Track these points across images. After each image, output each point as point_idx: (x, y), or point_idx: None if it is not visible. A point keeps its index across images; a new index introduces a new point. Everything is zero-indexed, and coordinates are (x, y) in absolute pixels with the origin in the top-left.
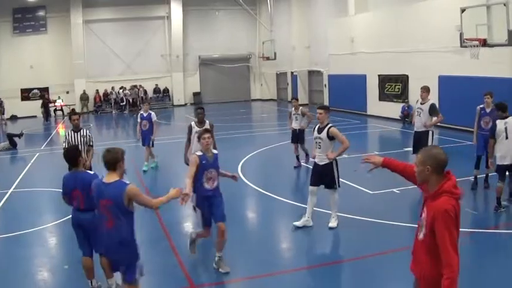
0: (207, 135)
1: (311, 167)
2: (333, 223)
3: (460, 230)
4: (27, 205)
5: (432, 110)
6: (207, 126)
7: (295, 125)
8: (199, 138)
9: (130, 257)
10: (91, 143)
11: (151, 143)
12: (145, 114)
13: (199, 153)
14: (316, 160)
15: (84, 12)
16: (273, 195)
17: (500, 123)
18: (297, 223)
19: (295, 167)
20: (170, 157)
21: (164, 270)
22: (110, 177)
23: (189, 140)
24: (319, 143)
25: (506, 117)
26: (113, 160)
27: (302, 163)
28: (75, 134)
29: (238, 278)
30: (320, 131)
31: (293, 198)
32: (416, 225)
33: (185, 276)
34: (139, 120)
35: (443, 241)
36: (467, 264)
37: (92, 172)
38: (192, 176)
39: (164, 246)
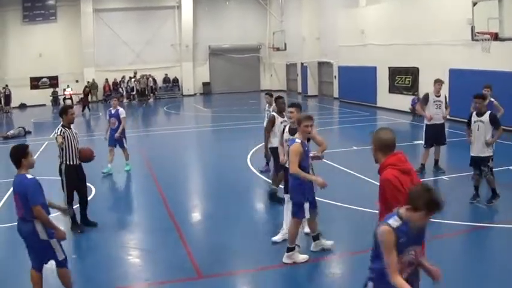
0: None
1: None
2: (278, 236)
3: (470, 224)
4: None
5: (446, 101)
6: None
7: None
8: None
9: (299, 198)
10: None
11: (123, 142)
12: (113, 111)
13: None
14: (287, 165)
15: (94, 0)
16: (281, 186)
17: None
18: (276, 238)
19: (261, 172)
20: (180, 147)
21: (173, 261)
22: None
23: (269, 131)
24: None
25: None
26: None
27: (259, 170)
28: (70, 131)
29: (247, 269)
30: (293, 132)
31: None
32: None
33: (193, 267)
34: (107, 117)
35: (390, 204)
36: (476, 260)
37: (30, 176)
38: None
39: (173, 236)
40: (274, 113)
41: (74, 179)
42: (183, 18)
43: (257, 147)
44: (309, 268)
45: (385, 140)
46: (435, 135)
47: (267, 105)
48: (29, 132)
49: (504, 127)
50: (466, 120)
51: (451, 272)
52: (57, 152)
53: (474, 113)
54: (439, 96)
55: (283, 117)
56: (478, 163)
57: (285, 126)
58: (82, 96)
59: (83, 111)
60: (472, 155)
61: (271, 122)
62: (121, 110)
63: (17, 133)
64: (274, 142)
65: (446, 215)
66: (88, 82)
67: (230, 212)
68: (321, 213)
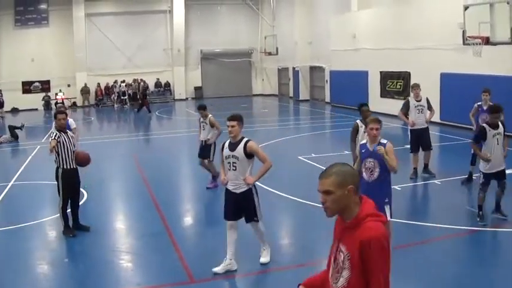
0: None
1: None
2: (264, 257)
3: (461, 227)
4: (28, 198)
5: (429, 104)
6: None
7: (202, 135)
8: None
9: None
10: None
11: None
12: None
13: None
14: (229, 187)
15: (86, 5)
16: (273, 190)
17: None
18: (217, 269)
19: (207, 188)
20: (172, 151)
21: (164, 265)
22: None
23: (353, 140)
24: (234, 163)
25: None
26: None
27: (208, 186)
28: (65, 135)
29: (238, 274)
30: (233, 147)
31: (294, 193)
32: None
33: (185, 271)
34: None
35: (377, 277)
36: (467, 264)
37: None
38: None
39: (165, 241)
40: (358, 121)
41: (70, 184)
42: (175, 22)
43: None
44: (301, 272)
45: (358, 177)
46: (419, 140)
47: (201, 117)
48: (22, 127)
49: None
50: (468, 128)
51: (443, 276)
52: (49, 156)
53: (486, 126)
54: (419, 101)
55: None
56: (497, 177)
57: (224, 142)
58: (141, 96)
59: (147, 111)
60: (492, 171)
61: (355, 130)
62: (71, 120)
63: (9, 140)
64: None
65: (439, 219)
66: (140, 79)
67: (221, 216)
68: (317, 219)
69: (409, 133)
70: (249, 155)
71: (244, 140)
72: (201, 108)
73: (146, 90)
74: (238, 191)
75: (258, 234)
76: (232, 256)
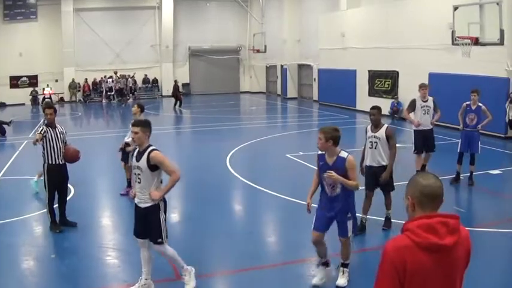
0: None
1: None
2: (188, 283)
3: None
4: (15, 193)
5: (436, 106)
6: (382, 132)
7: (126, 138)
8: None
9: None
10: (65, 140)
11: None
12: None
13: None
14: (136, 200)
15: (75, 0)
16: (261, 188)
17: None
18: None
19: (121, 195)
20: (159, 148)
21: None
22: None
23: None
24: (139, 175)
25: None
26: None
27: (122, 193)
28: (53, 130)
29: (225, 271)
30: (139, 157)
31: (281, 191)
32: None
33: (172, 268)
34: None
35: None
36: None
37: None
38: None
39: None
40: (368, 126)
41: (55, 179)
42: (164, 18)
43: (237, 148)
44: (294, 268)
45: (425, 187)
46: (424, 141)
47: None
48: (11, 123)
49: (486, 132)
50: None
51: None
52: (37, 152)
53: None
54: (426, 101)
55: (376, 132)
56: None
57: (135, 149)
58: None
59: (179, 106)
60: None
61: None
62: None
63: None
64: (367, 160)
65: None
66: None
67: (209, 213)
68: (304, 217)
69: (413, 133)
70: (153, 166)
71: (149, 149)
72: (138, 105)
73: (177, 85)
74: (142, 206)
75: (170, 259)
76: (148, 275)
